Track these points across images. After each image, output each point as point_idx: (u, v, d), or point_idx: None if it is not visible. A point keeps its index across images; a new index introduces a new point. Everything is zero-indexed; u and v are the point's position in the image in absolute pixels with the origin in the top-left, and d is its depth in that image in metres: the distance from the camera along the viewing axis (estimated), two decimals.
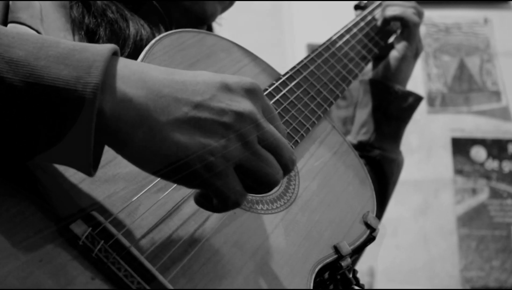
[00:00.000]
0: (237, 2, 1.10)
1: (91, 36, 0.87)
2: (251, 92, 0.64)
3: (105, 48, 0.59)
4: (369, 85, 1.25)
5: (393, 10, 1.20)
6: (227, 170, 0.61)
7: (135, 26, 0.90)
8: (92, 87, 0.55)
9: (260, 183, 0.64)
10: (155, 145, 0.58)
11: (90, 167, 0.59)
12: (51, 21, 0.85)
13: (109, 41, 0.87)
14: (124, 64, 0.61)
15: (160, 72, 0.62)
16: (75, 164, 0.60)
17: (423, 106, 2.18)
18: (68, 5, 0.89)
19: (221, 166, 0.60)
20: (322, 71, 1.01)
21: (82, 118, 0.56)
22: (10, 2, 0.83)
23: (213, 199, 0.64)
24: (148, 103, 0.58)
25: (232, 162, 0.61)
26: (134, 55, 0.85)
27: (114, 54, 0.61)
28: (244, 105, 0.62)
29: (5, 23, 0.82)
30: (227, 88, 0.63)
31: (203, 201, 0.66)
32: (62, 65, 0.57)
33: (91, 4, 0.89)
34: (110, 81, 0.58)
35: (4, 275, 0.54)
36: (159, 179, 0.65)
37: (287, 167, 0.66)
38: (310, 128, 0.91)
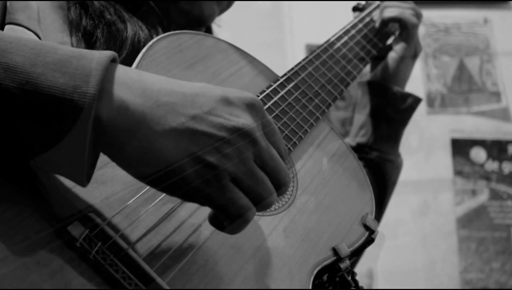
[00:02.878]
0: (237, 2, 1.10)
1: (88, 38, 0.87)
2: (251, 107, 0.63)
3: (104, 56, 0.58)
4: (367, 87, 1.25)
5: (391, 12, 1.20)
6: (221, 182, 0.60)
7: (133, 28, 0.90)
8: (89, 97, 0.55)
9: (254, 203, 0.62)
10: (149, 154, 0.58)
11: (83, 177, 0.58)
12: (48, 23, 0.85)
13: (106, 42, 0.86)
14: (123, 72, 0.60)
15: (159, 81, 0.61)
16: (69, 174, 0.60)
17: (422, 107, 2.17)
18: (66, 6, 0.89)
19: (214, 178, 0.59)
20: (320, 73, 1.01)
21: (77, 128, 0.55)
22: (8, 3, 0.83)
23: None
24: (145, 111, 0.58)
25: (226, 174, 0.60)
26: (131, 57, 0.84)
27: (113, 60, 0.60)
28: (243, 120, 0.61)
29: (2, 25, 0.81)
30: (227, 102, 0.62)
31: (217, 222, 0.64)
32: (59, 73, 0.56)
33: (89, 6, 0.89)
34: (108, 88, 0.58)
35: (1, 277, 0.54)
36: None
37: (280, 189, 0.65)
38: (308, 130, 0.91)
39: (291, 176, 0.85)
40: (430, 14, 2.33)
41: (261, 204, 0.63)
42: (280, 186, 0.64)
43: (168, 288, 0.62)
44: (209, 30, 1.15)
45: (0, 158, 0.60)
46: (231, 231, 0.64)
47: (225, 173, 0.60)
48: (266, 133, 0.64)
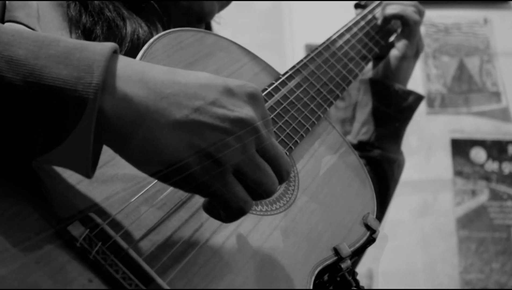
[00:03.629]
0: (237, 2, 1.09)
1: (88, 35, 0.87)
2: (253, 98, 0.64)
3: (106, 47, 0.58)
4: (369, 85, 1.25)
5: (393, 9, 1.20)
6: (225, 176, 0.61)
7: (132, 25, 0.90)
8: (93, 88, 0.55)
9: (256, 193, 0.64)
10: (154, 146, 0.58)
11: (88, 169, 0.58)
12: (48, 20, 0.85)
13: (106, 39, 0.87)
14: (125, 63, 0.60)
15: (162, 72, 0.61)
16: (73, 166, 0.60)
17: (422, 107, 2.16)
18: (65, 3, 0.89)
19: (218, 171, 0.60)
20: (322, 70, 1.01)
21: (82, 119, 0.55)
22: (7, 1, 0.83)
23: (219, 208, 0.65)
24: (149, 104, 0.58)
25: (229, 167, 0.61)
26: (131, 54, 0.85)
27: (114, 52, 0.60)
28: (246, 111, 0.62)
29: (2, 22, 0.81)
30: (229, 93, 0.62)
31: (212, 210, 0.66)
32: (62, 65, 0.56)
33: (88, 3, 0.89)
34: (111, 81, 0.58)
35: (1, 277, 0.54)
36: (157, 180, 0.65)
37: (282, 177, 0.66)
38: (310, 129, 0.91)
39: (292, 175, 0.85)
40: (430, 14, 2.33)
41: (265, 193, 0.64)
42: (283, 174, 0.66)
43: (168, 288, 0.62)
44: (208, 27, 1.15)
45: (2, 157, 0.60)
46: (226, 221, 0.66)
47: (229, 168, 0.60)
48: (263, 124, 0.65)
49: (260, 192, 0.63)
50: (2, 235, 0.57)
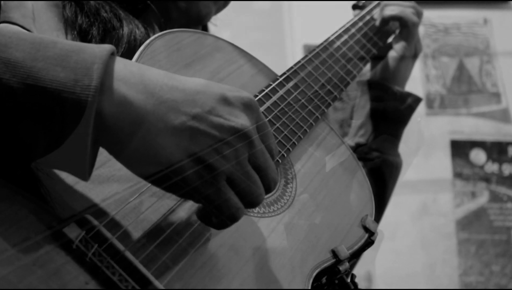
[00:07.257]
0: (236, 2, 1.10)
1: (84, 36, 0.87)
2: (248, 107, 0.64)
3: (104, 49, 0.58)
4: (367, 86, 1.25)
5: (391, 10, 1.19)
6: (218, 182, 0.61)
7: (128, 26, 0.90)
8: (91, 90, 0.55)
9: (243, 202, 0.64)
10: (150, 151, 0.58)
11: (85, 171, 0.58)
12: (43, 21, 0.85)
13: (102, 41, 0.86)
14: (123, 65, 0.60)
15: (160, 76, 0.62)
16: (70, 169, 0.60)
17: (421, 108, 2.16)
18: (61, 4, 0.89)
19: (210, 177, 0.60)
20: (320, 72, 1.00)
21: (80, 123, 0.55)
22: (2, 1, 0.83)
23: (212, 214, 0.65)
24: (147, 108, 0.58)
25: (222, 174, 0.61)
26: (127, 55, 0.84)
27: (112, 54, 0.60)
28: (242, 121, 0.63)
29: None
30: (226, 102, 0.63)
31: (204, 217, 0.67)
32: (59, 67, 0.56)
33: (84, 4, 0.89)
34: (109, 83, 0.58)
35: None
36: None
37: (269, 187, 0.67)
38: (308, 130, 0.90)
39: (290, 177, 0.85)
40: (429, 14, 2.32)
41: (252, 203, 0.65)
42: (270, 185, 0.67)
43: None
44: (205, 29, 1.15)
45: (1, 158, 0.60)
46: (218, 227, 0.67)
47: (223, 174, 0.61)
48: (262, 136, 0.66)
49: (245, 201, 0.64)
50: None
